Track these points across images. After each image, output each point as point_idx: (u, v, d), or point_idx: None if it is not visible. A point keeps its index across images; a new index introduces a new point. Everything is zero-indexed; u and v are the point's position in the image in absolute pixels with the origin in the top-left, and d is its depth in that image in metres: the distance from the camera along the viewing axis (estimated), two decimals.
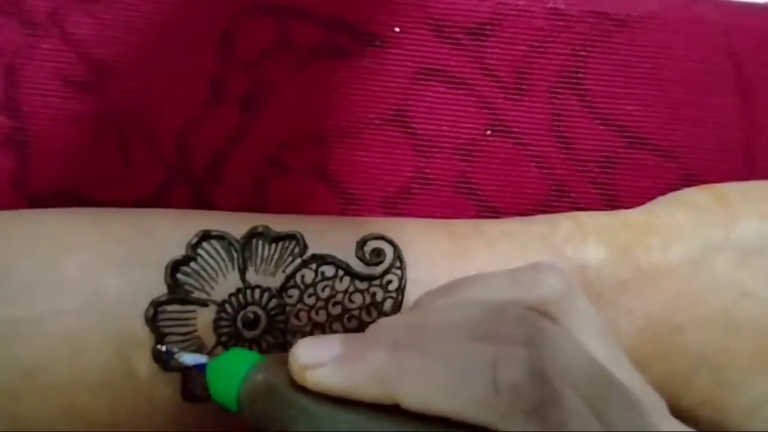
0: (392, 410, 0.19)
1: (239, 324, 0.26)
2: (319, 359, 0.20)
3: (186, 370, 0.25)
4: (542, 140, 0.32)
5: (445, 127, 0.32)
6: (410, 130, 0.32)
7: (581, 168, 0.32)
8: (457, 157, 0.32)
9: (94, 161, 0.31)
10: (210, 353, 0.25)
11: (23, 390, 0.24)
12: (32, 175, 0.31)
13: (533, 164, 0.32)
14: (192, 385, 0.25)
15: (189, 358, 0.24)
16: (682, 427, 0.21)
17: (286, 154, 0.32)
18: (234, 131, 0.31)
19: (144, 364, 0.25)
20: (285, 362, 0.21)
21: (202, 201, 0.31)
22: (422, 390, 0.19)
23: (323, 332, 0.26)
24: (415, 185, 0.32)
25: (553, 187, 0.32)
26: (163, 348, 0.25)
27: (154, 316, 0.25)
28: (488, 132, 0.32)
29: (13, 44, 0.31)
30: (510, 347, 0.19)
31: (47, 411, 0.24)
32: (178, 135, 0.31)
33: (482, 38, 0.32)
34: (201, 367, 0.24)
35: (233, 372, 0.22)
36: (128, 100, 0.31)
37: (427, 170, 0.32)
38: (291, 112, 0.32)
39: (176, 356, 0.24)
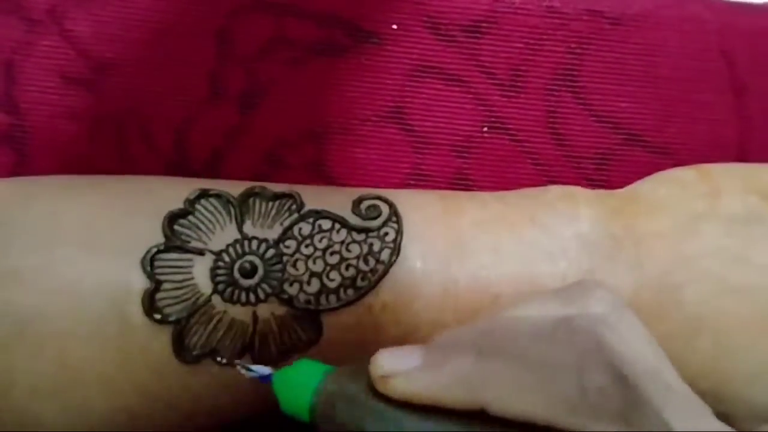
0: (475, 416, 0.19)
1: (236, 273, 0.25)
2: (401, 367, 0.20)
3: (179, 324, 0.25)
4: (538, 137, 0.33)
5: (441, 124, 0.32)
6: (407, 127, 0.32)
7: (576, 164, 0.33)
8: (453, 153, 0.32)
9: (93, 158, 0.31)
10: (276, 366, 0.24)
11: (16, 342, 0.24)
12: (30, 171, 0.31)
13: (529, 161, 0.33)
14: (183, 341, 0.25)
15: (256, 369, 0.24)
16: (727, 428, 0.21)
17: (284, 151, 0.32)
18: (232, 128, 0.32)
19: (137, 313, 0.24)
20: (357, 373, 0.21)
21: None
22: (510, 395, 0.19)
23: (320, 281, 0.26)
24: (412, 182, 0.32)
25: (548, 184, 0.32)
26: (223, 360, 0.25)
27: (150, 263, 0.25)
28: (484, 129, 0.33)
29: (11, 41, 0.31)
30: (591, 354, 0.19)
31: (39, 363, 0.24)
32: (176, 132, 0.31)
33: (478, 36, 0.32)
34: (265, 378, 0.23)
35: (303, 384, 0.22)
36: (126, 97, 0.31)
37: (423, 167, 0.32)
38: (288, 109, 0.32)
39: (238, 368, 0.24)
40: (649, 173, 0.32)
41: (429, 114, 0.32)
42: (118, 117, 0.31)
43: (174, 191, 0.26)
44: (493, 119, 0.33)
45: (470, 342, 0.21)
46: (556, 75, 0.33)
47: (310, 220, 0.27)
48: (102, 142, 0.31)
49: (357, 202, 0.27)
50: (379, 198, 0.27)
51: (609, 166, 0.33)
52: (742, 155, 0.33)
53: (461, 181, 0.32)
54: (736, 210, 0.27)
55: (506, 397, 0.19)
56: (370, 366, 0.21)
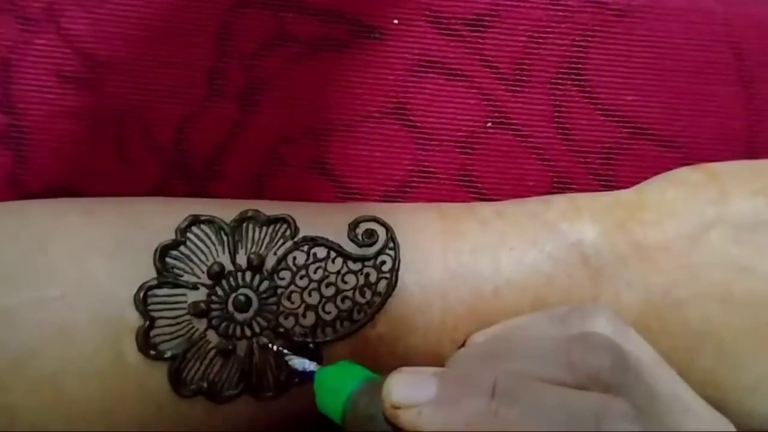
0: None
1: (230, 307, 0.25)
2: (414, 399, 0.20)
3: (175, 360, 0.25)
4: (543, 132, 0.32)
5: (444, 120, 0.32)
6: (410, 123, 0.32)
7: (582, 159, 0.32)
8: (457, 150, 0.32)
9: (91, 158, 0.31)
10: (318, 361, 0.25)
11: (12, 379, 0.24)
12: (28, 171, 0.30)
13: (534, 156, 0.32)
14: (180, 376, 0.25)
15: (298, 363, 0.24)
16: None
17: (285, 149, 0.31)
18: (232, 126, 0.31)
19: (133, 350, 0.24)
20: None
21: (200, 197, 0.31)
22: None
23: (316, 314, 0.26)
24: (415, 179, 0.32)
25: (555, 179, 0.32)
26: (275, 347, 0.25)
27: (143, 300, 0.25)
28: (488, 124, 0.32)
29: (8, 40, 0.30)
30: (609, 398, 0.19)
31: (38, 401, 0.24)
32: (176, 130, 0.31)
33: (481, 30, 0.32)
34: (308, 375, 0.24)
35: (339, 388, 0.22)
36: (125, 95, 0.31)
37: (427, 163, 0.32)
38: (289, 106, 0.32)
39: (286, 358, 0.24)
40: (656, 167, 0.32)
41: (432, 110, 0.32)
42: (117, 116, 0.31)
43: (165, 218, 0.26)
44: (497, 114, 0.32)
45: (486, 377, 0.20)
46: (560, 68, 0.32)
47: (305, 248, 0.26)
48: (101, 142, 0.31)
49: (353, 225, 0.27)
50: (377, 221, 0.27)
51: (616, 161, 0.32)
52: (751, 148, 0.32)
53: (465, 178, 0.32)
54: (744, 215, 0.27)
55: None
56: (383, 391, 0.21)
